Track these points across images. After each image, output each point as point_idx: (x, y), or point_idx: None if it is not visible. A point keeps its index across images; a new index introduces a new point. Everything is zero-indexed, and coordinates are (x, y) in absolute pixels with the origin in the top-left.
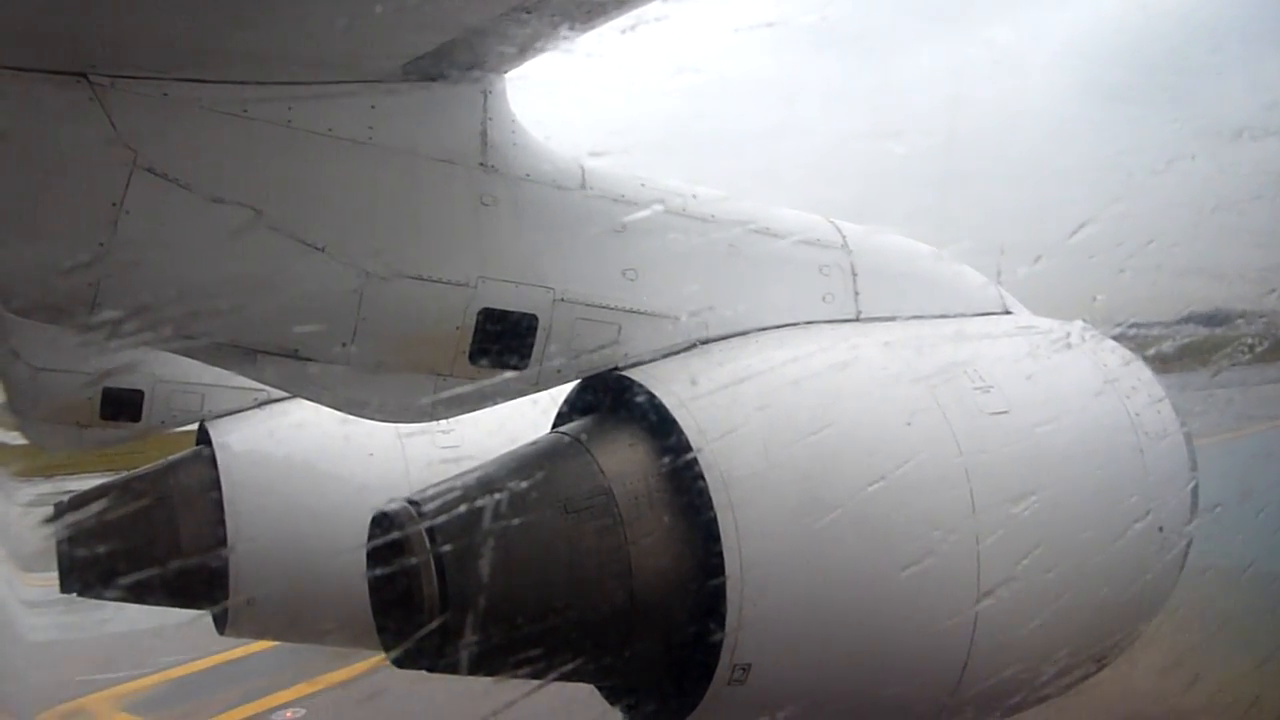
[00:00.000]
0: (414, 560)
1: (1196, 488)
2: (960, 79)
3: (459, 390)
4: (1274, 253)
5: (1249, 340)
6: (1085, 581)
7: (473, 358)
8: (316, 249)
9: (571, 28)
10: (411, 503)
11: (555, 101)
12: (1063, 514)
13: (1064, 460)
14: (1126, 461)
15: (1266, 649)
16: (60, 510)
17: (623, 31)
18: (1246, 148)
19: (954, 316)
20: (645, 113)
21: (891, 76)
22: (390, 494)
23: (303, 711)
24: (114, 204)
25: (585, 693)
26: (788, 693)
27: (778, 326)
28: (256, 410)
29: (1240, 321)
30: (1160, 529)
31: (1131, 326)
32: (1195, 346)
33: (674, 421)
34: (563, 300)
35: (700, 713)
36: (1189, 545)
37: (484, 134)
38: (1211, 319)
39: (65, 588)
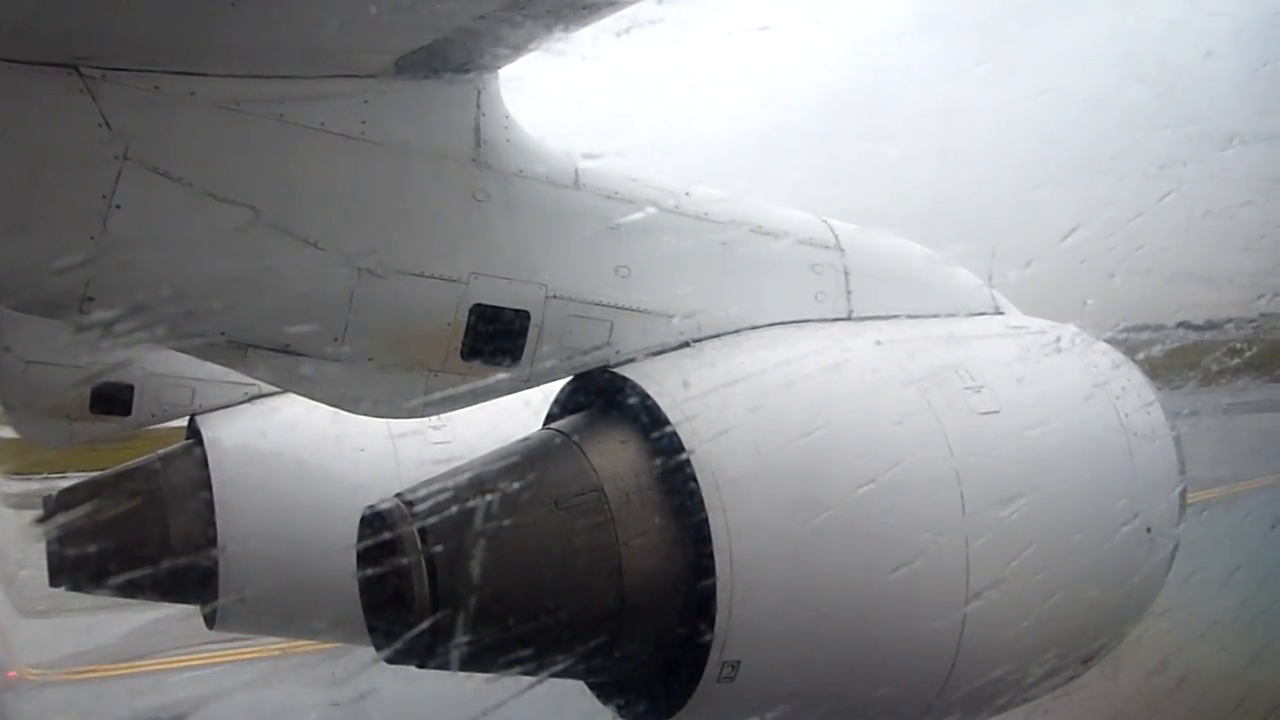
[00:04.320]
0: (405, 558)
1: (1185, 490)
2: (954, 85)
3: (451, 387)
4: (1264, 258)
5: (1238, 345)
6: (1073, 583)
7: (465, 354)
8: (309, 244)
9: (565, 27)
10: (402, 500)
11: (551, 104)
12: (1052, 516)
13: (1054, 462)
14: (1116, 463)
15: (1252, 651)
16: (50, 506)
17: (618, 34)
18: (1237, 154)
19: (946, 317)
20: (640, 114)
21: (883, 81)
22: (381, 491)
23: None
24: (105, 197)
25: (576, 690)
26: (777, 691)
27: (770, 325)
28: (247, 405)
29: (1230, 326)
30: (1148, 531)
31: (1122, 330)
32: (1185, 351)
33: (666, 421)
34: (555, 297)
35: (690, 709)
36: (1176, 547)
37: (477, 130)
38: (1201, 324)
39: (54, 583)
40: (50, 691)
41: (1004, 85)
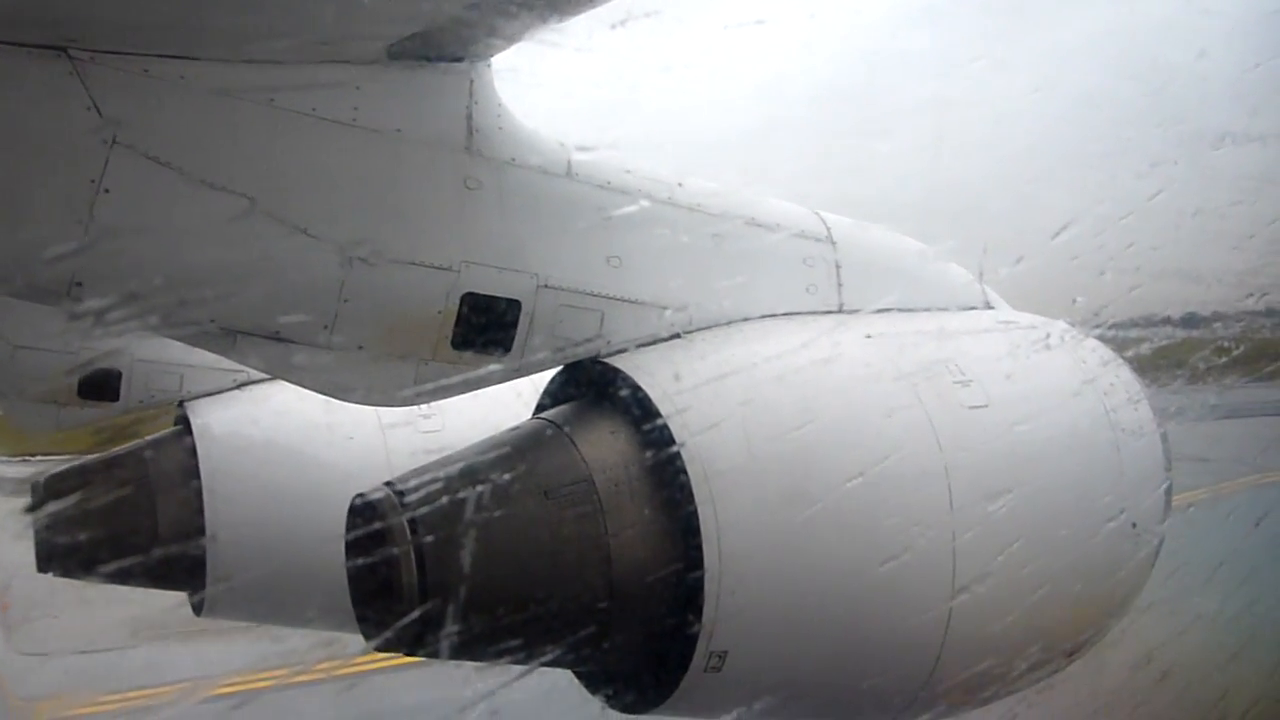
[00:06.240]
0: (394, 547)
1: (1170, 486)
2: (946, 81)
3: (442, 376)
4: (1252, 257)
5: (1226, 343)
6: (1059, 577)
7: (455, 343)
8: (299, 231)
9: (559, 16)
10: (392, 489)
11: (545, 94)
12: (1039, 510)
13: (1041, 457)
14: (1103, 459)
15: (1234, 646)
16: (36, 491)
17: (612, 26)
18: (1228, 153)
19: (937, 311)
20: (634, 107)
21: (876, 76)
22: (371, 479)
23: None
24: (93, 182)
25: (564, 679)
26: (764, 681)
27: (762, 317)
28: (236, 392)
29: (1218, 325)
30: (1134, 526)
31: (1111, 328)
32: (1173, 349)
33: (657, 413)
34: (546, 286)
35: (677, 699)
36: (1161, 543)
37: (469, 118)
38: (1189, 321)
39: (41, 569)
40: None
41: (997, 81)
